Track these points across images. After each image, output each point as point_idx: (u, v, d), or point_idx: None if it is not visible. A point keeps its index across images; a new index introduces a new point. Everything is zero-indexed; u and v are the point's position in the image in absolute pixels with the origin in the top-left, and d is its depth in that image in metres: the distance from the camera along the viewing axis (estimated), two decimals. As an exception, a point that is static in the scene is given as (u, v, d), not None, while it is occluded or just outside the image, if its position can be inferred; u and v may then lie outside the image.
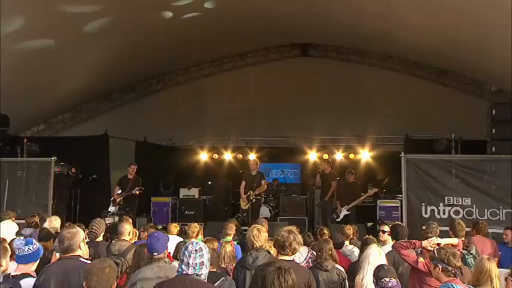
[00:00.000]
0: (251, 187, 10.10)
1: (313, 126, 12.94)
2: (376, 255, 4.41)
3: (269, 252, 4.48)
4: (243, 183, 10.36)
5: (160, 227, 9.80)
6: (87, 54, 10.79)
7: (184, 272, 3.03)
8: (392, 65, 13.77)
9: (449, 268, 3.66)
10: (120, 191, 10.34)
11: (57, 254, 4.38)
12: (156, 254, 3.78)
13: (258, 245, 4.41)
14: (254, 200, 10.08)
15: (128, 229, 5.48)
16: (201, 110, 13.92)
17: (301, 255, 5.41)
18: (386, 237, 5.65)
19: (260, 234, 4.47)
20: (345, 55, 14.19)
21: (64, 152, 10.51)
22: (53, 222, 5.92)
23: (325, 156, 12.47)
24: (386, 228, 5.68)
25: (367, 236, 6.10)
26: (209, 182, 13.68)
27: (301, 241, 4.04)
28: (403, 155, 8.50)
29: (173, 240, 5.15)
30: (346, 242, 6.09)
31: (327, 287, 4.50)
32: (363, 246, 5.25)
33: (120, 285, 4.14)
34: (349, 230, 6.25)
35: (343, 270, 4.65)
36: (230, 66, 14.83)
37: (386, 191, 11.94)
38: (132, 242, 5.92)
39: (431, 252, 4.15)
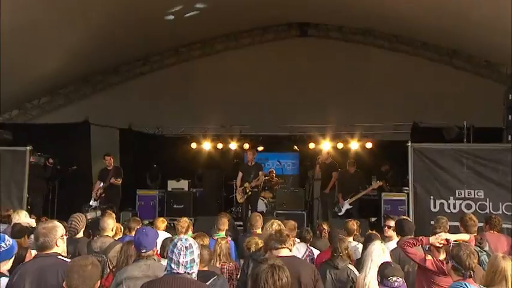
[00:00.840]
0: (247, 179, 10.16)
1: (312, 113, 12.92)
2: (380, 252, 4.40)
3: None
4: (240, 174, 10.44)
5: (146, 222, 9.80)
6: (64, 32, 10.63)
7: (175, 271, 3.03)
8: (399, 46, 13.72)
9: (459, 267, 3.66)
10: (101, 185, 10.32)
11: (33, 252, 4.35)
12: (144, 251, 3.77)
13: None
14: (250, 192, 10.15)
15: (110, 224, 5.48)
16: (191, 95, 13.85)
17: (299, 252, 5.43)
18: (391, 232, 5.65)
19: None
20: (346, 35, 14.13)
21: (40, 140, 10.42)
22: (17, 217, 5.86)
23: (326, 145, 12.46)
24: (392, 223, 5.68)
25: (370, 231, 6.09)
26: (199, 171, 13.65)
27: (288, 233, 4.03)
28: (410, 144, 8.46)
29: (160, 236, 5.12)
30: (350, 239, 6.09)
31: (334, 285, 4.53)
32: (366, 243, 5.26)
33: (106, 286, 4.13)
34: (353, 225, 6.26)
35: (356, 272, 4.67)
36: (223, 47, 14.73)
37: (391, 183, 11.96)
38: (117, 238, 5.92)
39: (446, 246, 4.17)
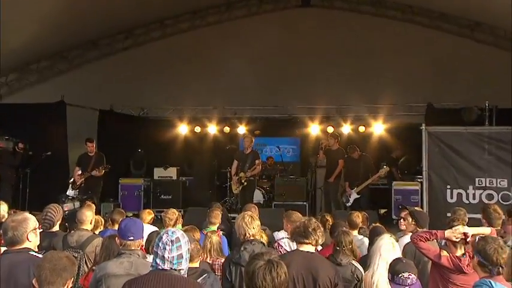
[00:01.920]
0: (243, 168, 10.31)
1: (315, 93, 12.87)
2: (389, 247, 4.41)
3: (264, 245, 4.47)
4: (235, 163, 10.57)
5: (130, 214, 9.80)
6: (35, 0, 10.49)
7: (160, 267, 3.04)
8: (413, 17, 13.60)
9: (486, 263, 3.65)
10: (80, 172, 10.29)
11: (2, 248, 4.35)
12: (132, 238, 3.78)
13: (251, 233, 4.39)
14: (246, 183, 10.30)
15: (89, 216, 5.49)
16: (179, 72, 13.76)
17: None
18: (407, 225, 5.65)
19: (254, 221, 4.47)
20: (354, 5, 14.02)
21: (9, 123, 10.40)
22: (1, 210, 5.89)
23: (330, 129, 12.44)
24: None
25: (374, 224, 6.09)
26: (189, 158, 13.71)
27: (323, 233, 4.09)
28: (424, 127, 8.48)
29: (147, 230, 5.14)
30: (354, 232, 6.11)
31: None
32: (373, 237, 5.30)
33: (85, 286, 4.17)
34: (358, 217, 6.28)
35: (361, 269, 4.67)
36: (215, 18, 14.60)
37: (403, 170, 11.98)
38: (97, 232, 5.99)
39: (464, 241, 4.17)
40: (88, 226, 5.46)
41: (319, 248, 5.77)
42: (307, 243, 3.91)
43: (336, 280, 3.84)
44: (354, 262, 4.69)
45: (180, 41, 14.45)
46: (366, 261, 4.91)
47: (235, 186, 10.49)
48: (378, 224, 5.97)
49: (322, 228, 4.01)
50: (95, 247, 4.99)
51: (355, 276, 4.57)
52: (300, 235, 3.96)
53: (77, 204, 9.21)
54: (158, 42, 14.70)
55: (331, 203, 11.04)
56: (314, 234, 3.89)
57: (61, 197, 9.79)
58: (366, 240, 5.93)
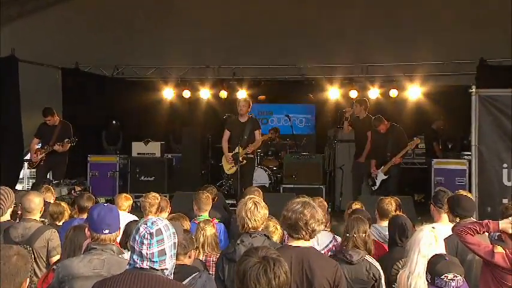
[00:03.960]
0: (240, 141, 10.09)
1: (335, 49, 12.78)
2: (430, 240, 4.38)
3: (268, 238, 4.48)
4: (227, 133, 10.41)
5: (102, 199, 9.85)
6: None
7: (137, 265, 3.04)
8: None
9: None
10: (40, 145, 10.29)
11: None
12: (107, 231, 3.81)
13: (250, 226, 4.41)
14: (244, 161, 10.13)
15: (38, 204, 5.54)
16: (163, 21, 13.63)
17: (320, 242, 5.50)
18: (438, 214, 5.68)
19: (257, 211, 4.47)
20: None
21: None
22: None
23: (354, 93, 12.37)
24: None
25: (398, 213, 6.07)
26: (176, 130, 13.84)
27: (323, 219, 4.06)
28: (474, 90, 8.39)
29: (124, 220, 5.16)
30: (385, 223, 6.12)
31: (349, 286, 4.54)
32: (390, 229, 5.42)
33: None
34: (389, 204, 6.30)
35: (377, 266, 4.73)
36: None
37: (446, 145, 11.97)
38: (61, 223, 6.10)
39: None
40: (36, 216, 5.52)
41: (339, 238, 5.81)
42: (297, 239, 3.93)
43: (338, 280, 3.85)
44: (367, 258, 4.75)
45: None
46: (387, 259, 4.99)
47: (229, 165, 10.32)
48: (400, 213, 5.94)
49: (319, 214, 3.96)
50: (47, 241, 5.13)
51: (371, 275, 4.62)
52: (288, 227, 3.97)
53: (64, 191, 9.33)
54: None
55: (363, 189, 11.06)
56: (305, 228, 3.87)
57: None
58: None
